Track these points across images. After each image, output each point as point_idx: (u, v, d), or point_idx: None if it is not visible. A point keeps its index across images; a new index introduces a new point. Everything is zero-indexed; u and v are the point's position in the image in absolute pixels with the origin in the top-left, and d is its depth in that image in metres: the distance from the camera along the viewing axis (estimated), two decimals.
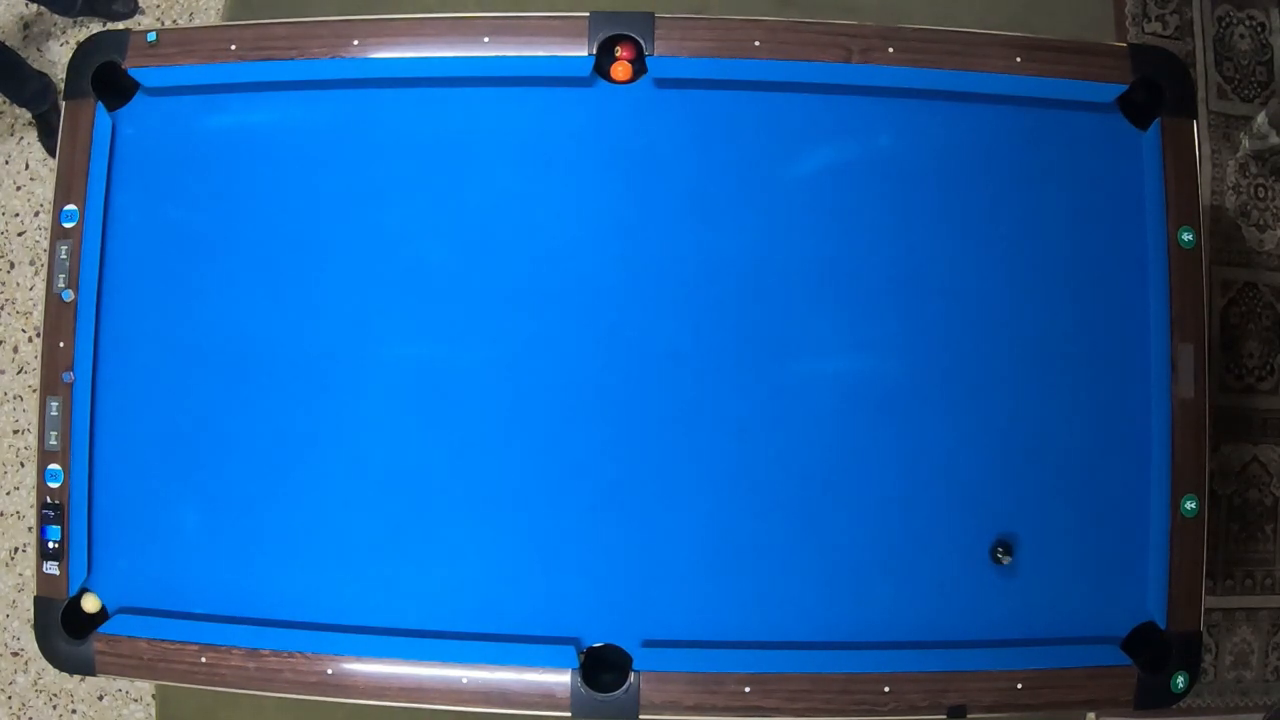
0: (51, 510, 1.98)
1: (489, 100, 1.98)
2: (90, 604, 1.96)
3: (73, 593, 1.97)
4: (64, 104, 2.05)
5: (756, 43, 1.98)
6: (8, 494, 2.85)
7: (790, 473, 1.94)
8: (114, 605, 1.98)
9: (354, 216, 2.00)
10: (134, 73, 2.02)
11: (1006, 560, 1.84)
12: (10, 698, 2.81)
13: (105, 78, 2.03)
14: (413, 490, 1.95)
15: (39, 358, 2.03)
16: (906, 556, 1.93)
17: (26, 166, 2.94)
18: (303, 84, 1.99)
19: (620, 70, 1.97)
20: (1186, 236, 1.97)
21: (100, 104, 2.02)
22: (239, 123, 2.03)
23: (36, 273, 2.90)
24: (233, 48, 2.01)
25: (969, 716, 1.88)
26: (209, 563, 1.97)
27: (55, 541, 1.98)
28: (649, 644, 1.89)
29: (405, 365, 1.97)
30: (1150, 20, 2.94)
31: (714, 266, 1.96)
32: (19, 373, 2.88)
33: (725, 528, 1.93)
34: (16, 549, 2.84)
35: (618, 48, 1.97)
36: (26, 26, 3.00)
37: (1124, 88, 1.98)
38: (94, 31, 2.12)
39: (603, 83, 1.98)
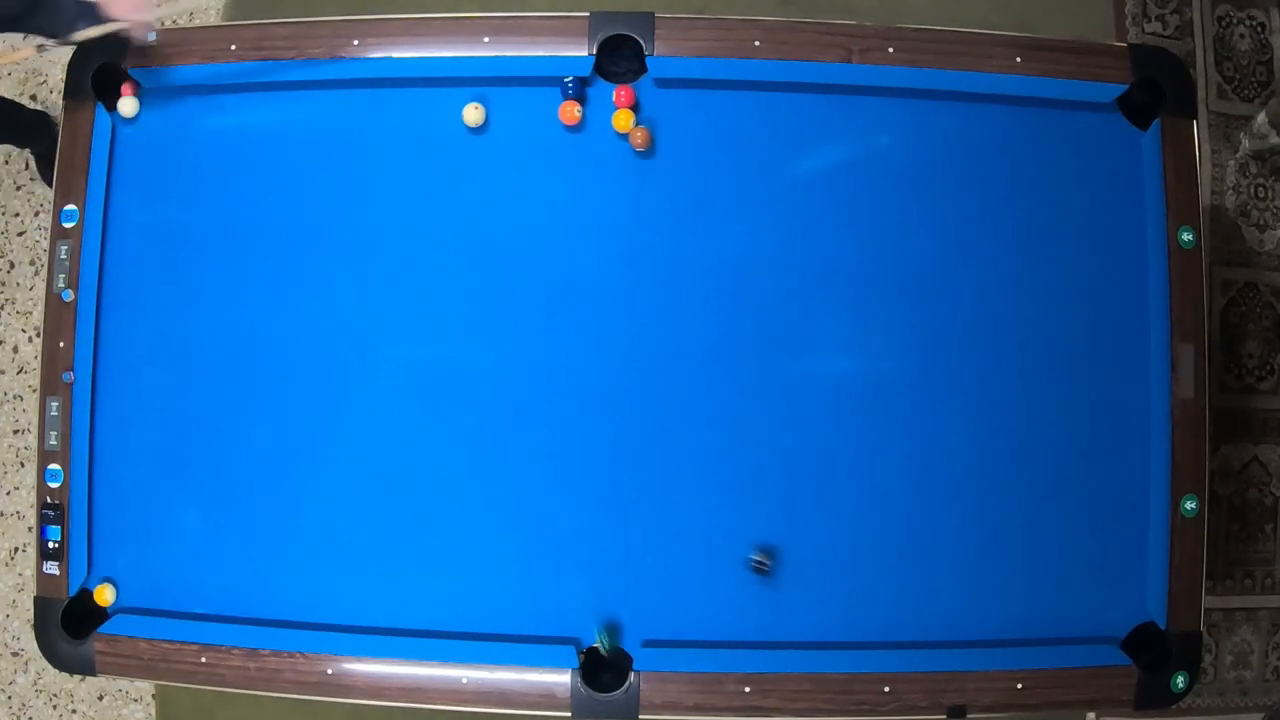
0: (51, 510, 1.98)
1: (489, 100, 1.97)
2: (107, 596, 1.96)
3: (73, 593, 1.97)
4: (64, 104, 2.05)
5: (756, 43, 1.98)
6: (8, 494, 2.85)
7: (790, 473, 1.94)
8: (114, 605, 1.98)
9: (354, 216, 2.00)
10: (134, 73, 2.02)
11: (765, 567, 1.83)
12: (10, 698, 2.81)
13: (105, 78, 2.03)
14: (413, 490, 1.95)
15: (39, 358, 2.03)
16: (906, 557, 1.93)
17: (26, 166, 2.94)
18: (303, 84, 1.99)
19: (571, 111, 1.95)
20: (1186, 236, 1.97)
21: (100, 104, 2.02)
22: (239, 123, 2.03)
23: (36, 273, 2.90)
24: (233, 48, 2.01)
25: (969, 716, 1.88)
26: (209, 563, 1.97)
27: (55, 541, 1.98)
28: (649, 644, 1.89)
29: (405, 365, 1.97)
30: (1150, 20, 2.94)
31: (711, 266, 1.96)
32: (19, 373, 2.88)
33: (726, 528, 1.93)
34: (16, 549, 2.84)
35: (620, 91, 1.96)
36: None
37: (1124, 88, 1.98)
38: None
39: (602, 83, 1.98)
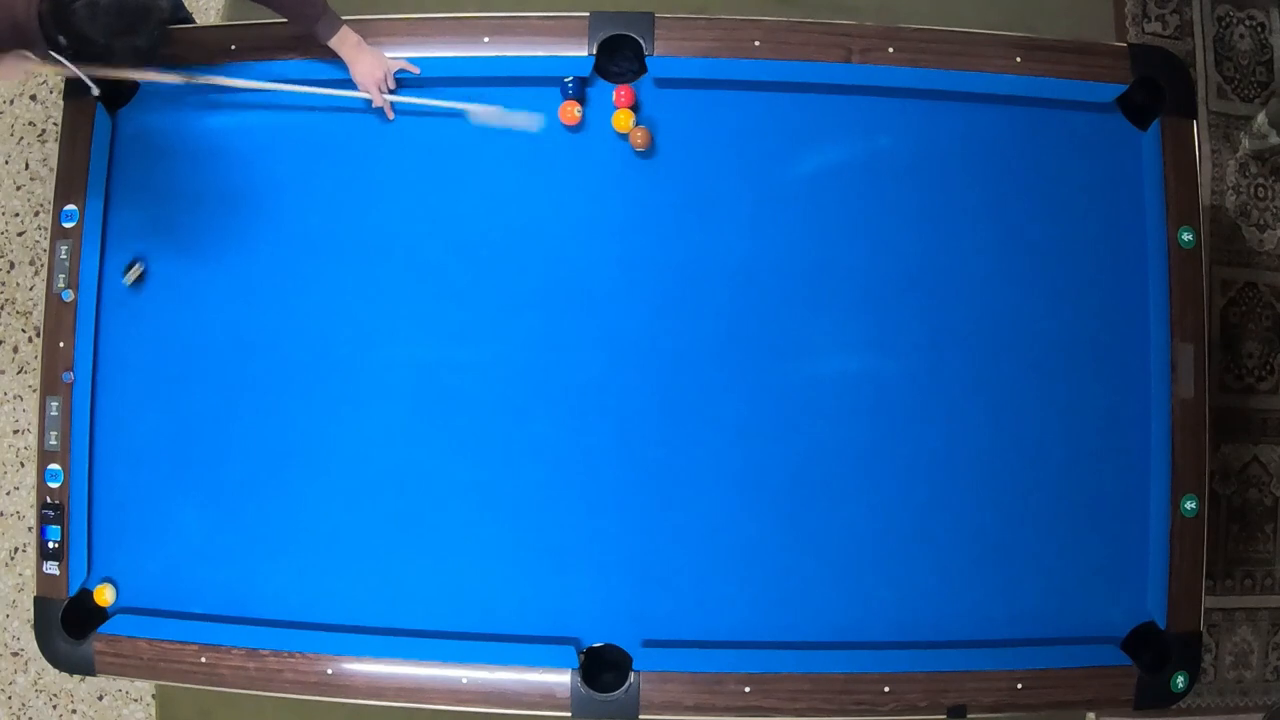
0: (51, 510, 1.98)
1: (489, 100, 1.97)
2: (107, 596, 1.96)
3: (73, 593, 1.97)
4: (64, 104, 2.04)
5: (756, 43, 1.98)
6: (8, 494, 2.85)
7: (790, 473, 1.93)
8: (114, 605, 1.97)
9: (353, 216, 2.00)
10: None
11: (132, 277, 1.80)
12: (10, 698, 2.81)
13: (105, 79, 2.02)
14: (413, 491, 1.95)
15: (39, 358, 2.03)
16: (907, 557, 1.93)
17: (26, 166, 2.93)
18: (303, 84, 1.99)
19: (571, 111, 1.95)
20: (1186, 236, 1.97)
21: (100, 104, 2.02)
22: (239, 123, 2.03)
23: (36, 273, 2.90)
24: (233, 48, 2.01)
25: (969, 716, 1.88)
26: (209, 563, 1.97)
27: (55, 541, 1.97)
28: (649, 644, 1.89)
29: (405, 365, 1.97)
30: (1150, 20, 2.94)
31: (712, 267, 1.96)
32: (19, 373, 2.88)
33: (726, 528, 1.93)
34: (16, 549, 2.84)
35: (620, 91, 1.96)
36: None
37: (1124, 88, 1.98)
38: None
39: (602, 83, 1.98)
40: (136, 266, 1.84)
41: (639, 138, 1.94)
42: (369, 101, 1.97)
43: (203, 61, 2.00)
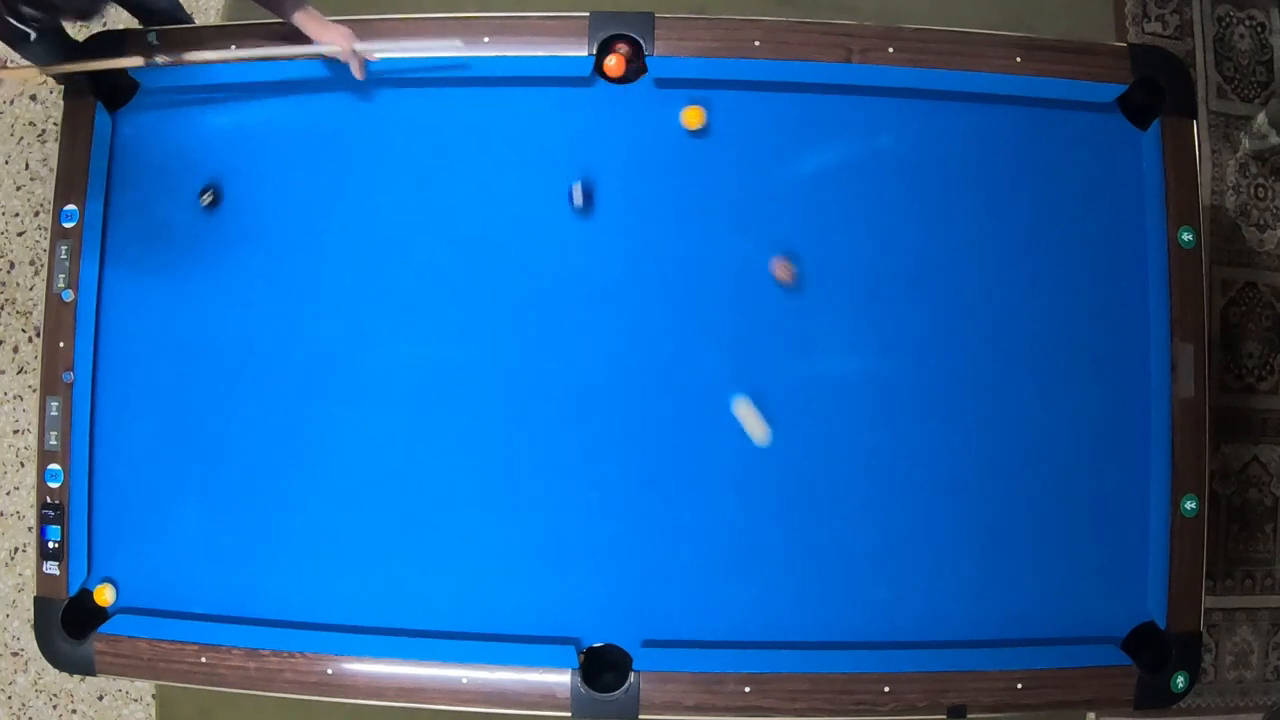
0: (51, 510, 1.98)
1: (489, 100, 1.97)
2: (107, 596, 1.96)
3: (73, 593, 1.97)
4: (64, 104, 2.04)
5: (756, 43, 1.98)
6: (8, 494, 2.85)
7: (790, 473, 1.93)
8: (114, 605, 1.97)
9: (354, 216, 2.00)
10: (134, 73, 2.02)
11: (207, 200, 1.82)
12: (10, 698, 2.81)
13: (105, 78, 2.02)
14: (413, 491, 1.95)
15: (39, 358, 2.03)
16: (906, 557, 1.93)
17: (26, 166, 2.93)
18: (303, 84, 1.99)
19: (615, 66, 1.95)
20: (1186, 236, 1.97)
21: (100, 104, 2.02)
22: (239, 122, 2.03)
23: (36, 273, 2.90)
24: (233, 48, 2.01)
25: (969, 716, 1.88)
26: (209, 563, 1.97)
27: (55, 541, 1.97)
28: (649, 644, 1.89)
29: (405, 365, 1.97)
30: (1150, 20, 2.94)
31: (713, 267, 1.96)
32: (19, 373, 2.88)
33: (726, 528, 1.93)
34: (16, 549, 2.84)
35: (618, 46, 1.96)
36: None
37: (1124, 88, 1.98)
38: (95, 31, 2.10)
39: (603, 83, 1.98)
40: (210, 191, 1.88)
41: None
42: (337, 62, 1.93)
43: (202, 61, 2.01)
